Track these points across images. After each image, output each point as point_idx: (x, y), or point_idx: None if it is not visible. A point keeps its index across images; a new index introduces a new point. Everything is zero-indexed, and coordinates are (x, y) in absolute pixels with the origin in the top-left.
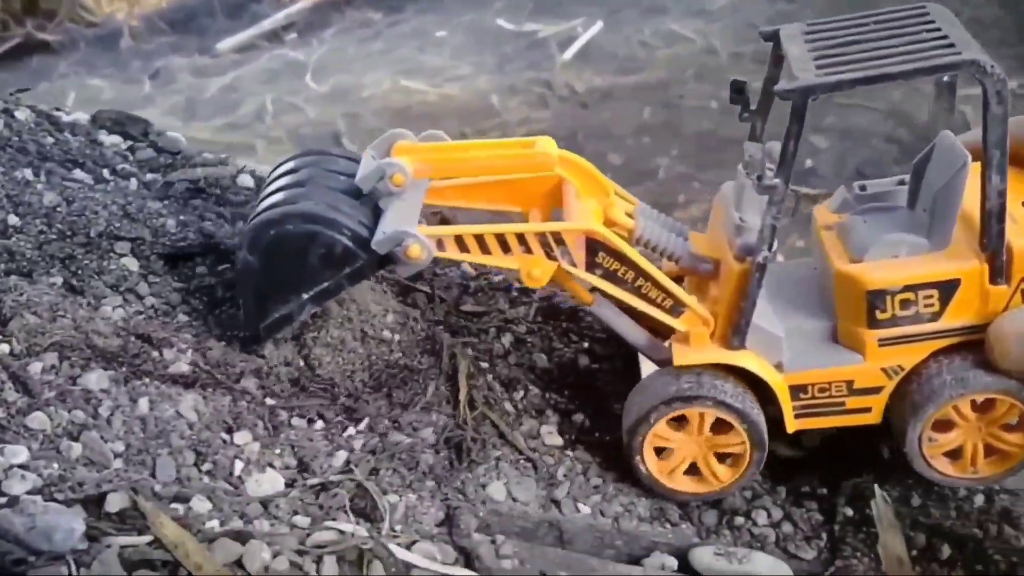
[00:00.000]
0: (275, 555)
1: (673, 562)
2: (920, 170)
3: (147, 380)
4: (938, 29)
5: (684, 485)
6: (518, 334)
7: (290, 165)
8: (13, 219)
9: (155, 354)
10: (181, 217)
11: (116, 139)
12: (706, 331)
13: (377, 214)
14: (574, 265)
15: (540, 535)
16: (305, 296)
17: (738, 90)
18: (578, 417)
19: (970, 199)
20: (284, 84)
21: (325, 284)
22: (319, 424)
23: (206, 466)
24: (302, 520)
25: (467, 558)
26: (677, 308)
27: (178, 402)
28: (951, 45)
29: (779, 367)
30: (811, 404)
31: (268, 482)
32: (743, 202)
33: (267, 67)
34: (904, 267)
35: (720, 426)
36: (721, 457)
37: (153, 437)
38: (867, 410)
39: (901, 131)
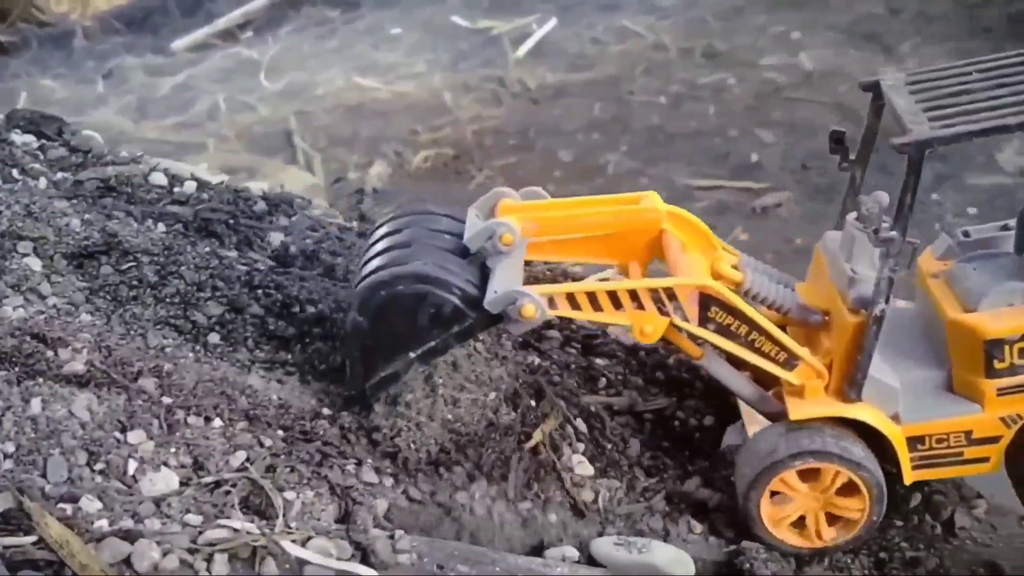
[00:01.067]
0: (165, 554)
1: (574, 553)
2: None
3: (40, 380)
4: None
5: (788, 536)
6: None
7: (393, 225)
8: None
9: (50, 354)
10: (87, 216)
11: (29, 138)
12: (820, 384)
13: (484, 273)
14: (687, 320)
15: (441, 530)
16: (412, 355)
17: (838, 140)
18: None
19: None
20: (237, 83)
21: (433, 343)
22: (217, 423)
23: (99, 466)
24: (194, 518)
25: (364, 553)
26: (791, 361)
27: (71, 402)
28: None
29: (895, 418)
30: (929, 455)
31: (162, 481)
32: (854, 253)
33: (221, 66)
34: (1021, 316)
35: (846, 487)
36: (832, 518)
37: (44, 437)
38: (985, 460)
39: (847, 124)
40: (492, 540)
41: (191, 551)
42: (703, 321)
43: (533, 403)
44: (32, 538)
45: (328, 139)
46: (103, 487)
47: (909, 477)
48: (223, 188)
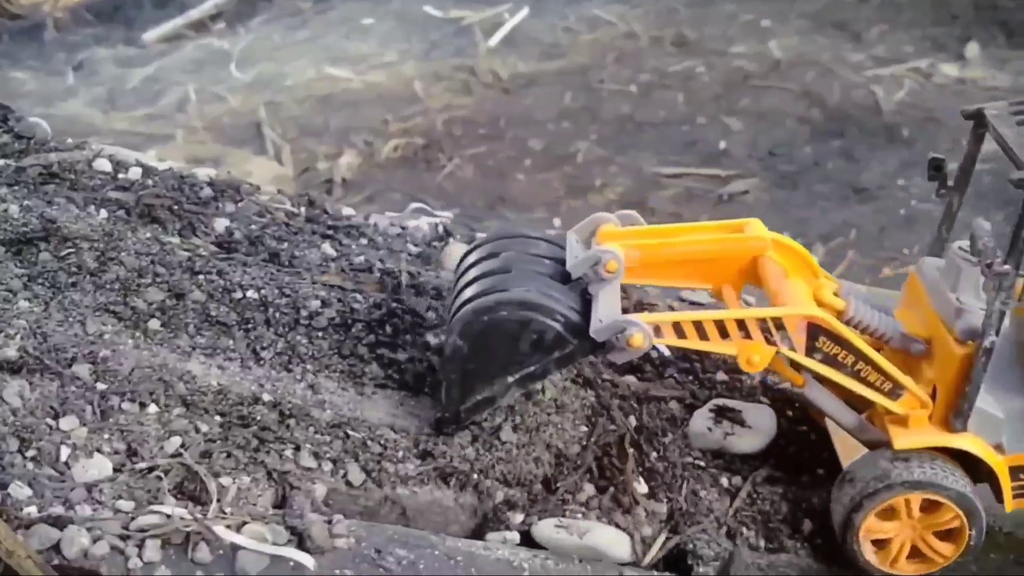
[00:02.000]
0: (95, 540)
1: (515, 536)
2: None
3: None
4: None
5: (867, 551)
6: None
7: (489, 248)
8: None
9: None
10: (26, 202)
11: None
12: (925, 414)
13: (584, 299)
14: (793, 349)
15: (383, 514)
16: (511, 379)
17: (936, 167)
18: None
19: None
20: (208, 74)
21: (532, 368)
22: (152, 408)
23: (30, 452)
24: (126, 504)
25: (300, 538)
26: (896, 391)
27: (2, 388)
28: None
29: (999, 448)
30: None
31: (95, 467)
32: (960, 283)
33: (192, 57)
34: None
35: (932, 506)
36: (941, 536)
37: None
38: None
39: (813, 112)
40: (434, 523)
41: (122, 537)
42: (810, 351)
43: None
44: None
45: (298, 129)
46: (34, 474)
47: (1010, 505)
48: (168, 174)
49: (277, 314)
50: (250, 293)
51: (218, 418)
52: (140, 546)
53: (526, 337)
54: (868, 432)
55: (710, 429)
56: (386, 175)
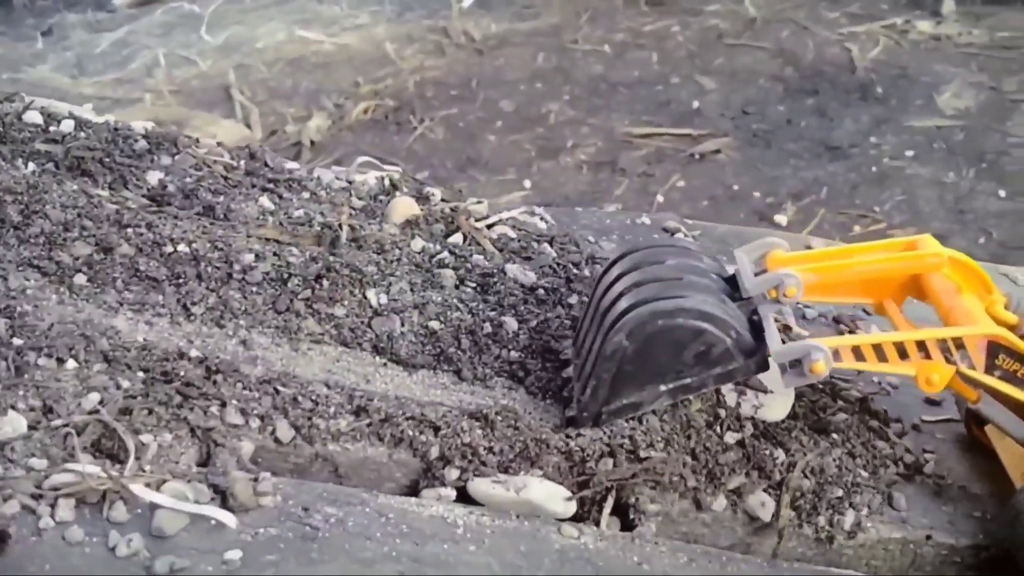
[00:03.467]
0: (6, 499)
1: (451, 492)
2: None
3: None
4: None
5: None
6: None
7: (650, 253)
8: None
9: None
10: None
11: None
12: None
13: (750, 319)
14: (972, 368)
15: (314, 471)
16: (663, 388)
17: None
18: None
19: None
20: (178, 38)
21: (689, 380)
22: (71, 364)
23: None
24: (39, 463)
25: (223, 497)
26: None
27: None
28: None
29: None
30: None
31: (9, 425)
32: None
33: (162, 21)
34: None
35: None
36: None
37: None
38: None
39: (788, 70)
40: (368, 480)
41: (35, 496)
42: (989, 368)
43: None
44: None
45: (267, 92)
46: None
47: None
48: (103, 127)
49: (209, 268)
50: (181, 247)
51: (141, 374)
52: (53, 505)
53: (694, 347)
54: None
55: (739, 404)
56: (356, 137)
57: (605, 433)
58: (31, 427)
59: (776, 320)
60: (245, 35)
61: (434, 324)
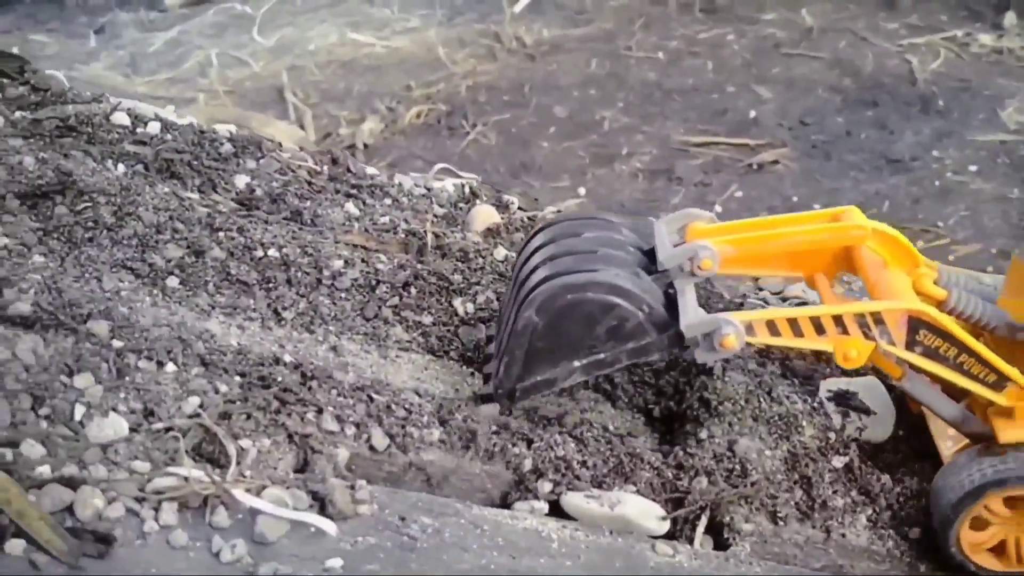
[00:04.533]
0: (110, 501)
1: (544, 506)
2: None
3: None
4: None
5: (987, 561)
6: None
7: (569, 226)
8: None
9: None
10: (42, 155)
11: None
12: None
13: (666, 293)
14: (892, 344)
15: (407, 480)
16: (577, 364)
17: None
18: None
19: None
20: (230, 38)
21: (602, 355)
22: (170, 367)
23: (44, 410)
24: (142, 465)
25: (321, 504)
26: (1001, 382)
27: (15, 343)
28: None
29: None
30: None
31: (111, 427)
32: None
33: (214, 21)
34: None
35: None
36: None
37: None
38: None
39: (846, 81)
40: (460, 490)
41: (138, 499)
42: (910, 344)
43: None
44: None
45: (320, 95)
46: (47, 432)
47: None
48: (188, 129)
49: (299, 274)
50: (271, 252)
51: (238, 378)
52: (156, 509)
53: (606, 322)
54: (971, 424)
55: (843, 428)
56: (408, 142)
57: (702, 451)
58: (132, 429)
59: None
60: (297, 37)
61: None
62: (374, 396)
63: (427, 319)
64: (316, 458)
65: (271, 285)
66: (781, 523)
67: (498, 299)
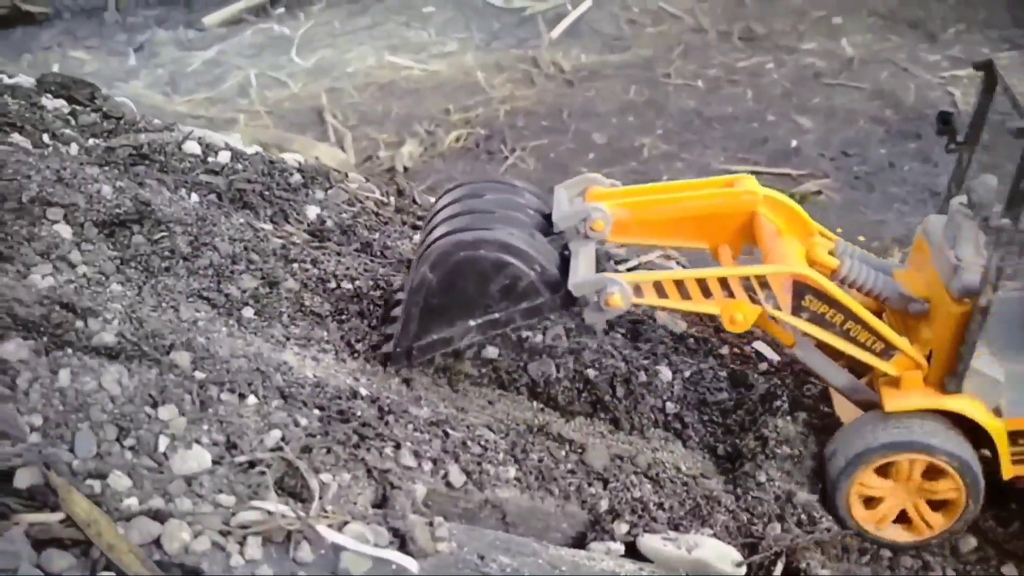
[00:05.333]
0: (196, 535)
1: (620, 547)
2: None
3: (69, 351)
4: None
5: (896, 534)
6: None
7: (472, 188)
8: None
9: (79, 324)
10: (119, 184)
11: (60, 103)
12: (919, 375)
13: (562, 255)
14: (779, 309)
15: (482, 517)
16: (472, 323)
17: (945, 121)
18: None
19: None
20: (268, 59)
21: (497, 315)
22: (251, 400)
23: (128, 441)
24: (227, 499)
25: (402, 540)
26: (888, 351)
27: (101, 374)
28: None
29: (997, 412)
30: None
31: (194, 459)
32: (960, 240)
33: (252, 41)
34: None
35: (932, 472)
36: (934, 504)
37: (73, 410)
38: None
39: (887, 112)
40: (535, 529)
41: (223, 533)
42: (796, 309)
43: None
44: (59, 516)
45: (359, 117)
46: (133, 464)
47: (1008, 472)
48: (258, 159)
49: (371, 306)
50: (344, 284)
51: (316, 412)
52: (241, 543)
53: (499, 281)
54: (861, 393)
55: None
56: (448, 165)
57: (764, 494)
58: (215, 462)
59: None
60: (335, 59)
61: (590, 372)
62: (449, 432)
63: (493, 353)
64: (395, 493)
65: (344, 317)
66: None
67: (567, 335)
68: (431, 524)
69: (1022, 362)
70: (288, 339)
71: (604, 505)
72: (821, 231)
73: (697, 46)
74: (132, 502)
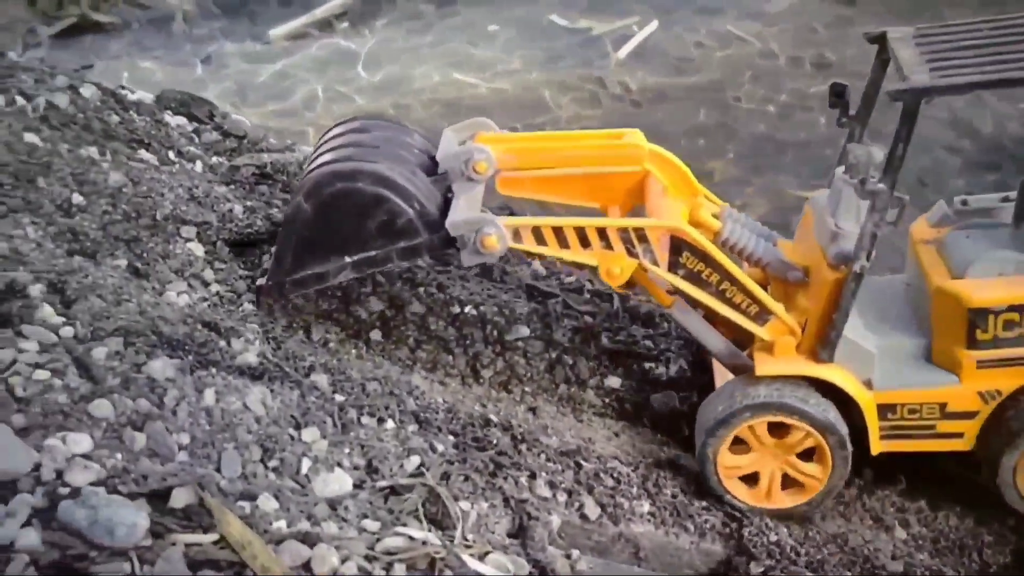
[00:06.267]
0: (344, 560)
1: None
2: None
3: (214, 370)
4: None
5: (737, 489)
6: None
7: (361, 123)
8: (77, 198)
9: (222, 344)
10: (248, 203)
11: (181, 120)
12: (792, 341)
13: (445, 196)
14: (656, 264)
15: (615, 551)
16: (348, 259)
17: (838, 93)
18: None
19: None
20: (335, 73)
21: (374, 252)
22: (389, 424)
23: (272, 463)
24: (371, 524)
25: (541, 572)
26: (763, 315)
27: (245, 394)
28: None
29: (868, 384)
30: (899, 425)
31: (336, 482)
32: (840, 208)
33: (318, 56)
34: (1010, 286)
35: (783, 430)
36: (805, 459)
37: (219, 430)
38: (959, 435)
39: (965, 142)
40: (669, 565)
41: (368, 558)
42: (673, 266)
43: None
44: (213, 536)
45: (426, 133)
46: (278, 486)
47: (877, 447)
48: None
49: (495, 332)
50: (468, 309)
51: (451, 438)
52: (387, 569)
53: (376, 217)
54: (737, 359)
55: None
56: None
57: (908, 547)
58: (356, 485)
59: None
60: (400, 75)
61: None
62: (582, 463)
63: (615, 382)
64: (532, 524)
65: (468, 342)
66: None
67: (691, 368)
68: (569, 556)
69: (897, 337)
70: (415, 363)
71: (740, 545)
72: (708, 196)
73: (768, 71)
74: (281, 524)
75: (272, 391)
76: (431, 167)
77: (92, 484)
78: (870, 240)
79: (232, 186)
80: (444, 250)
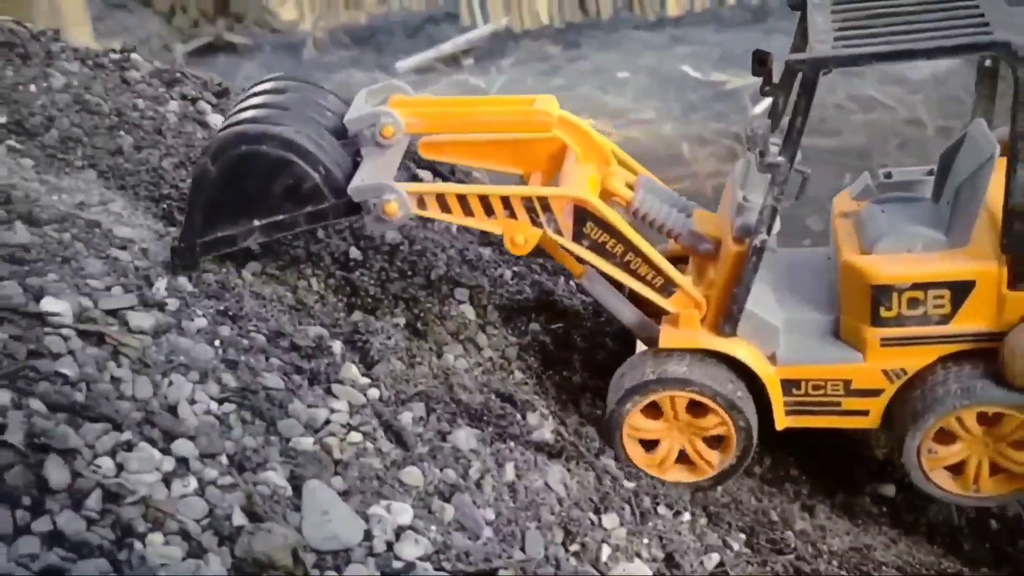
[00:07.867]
0: None
1: None
2: (948, 160)
3: (512, 444)
4: (976, 7)
5: (636, 454)
6: None
7: (275, 84)
8: (355, 252)
9: (519, 417)
10: (515, 268)
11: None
12: (697, 314)
13: (356, 161)
14: (560, 234)
15: None
16: (256, 223)
17: (760, 62)
18: None
19: (996, 195)
20: None
21: (281, 217)
22: (685, 516)
23: (574, 547)
24: None
25: None
26: (669, 287)
27: (545, 472)
28: (984, 24)
29: (772, 359)
30: (804, 401)
31: (635, 572)
32: (748, 181)
33: (446, 91)
34: (915, 263)
35: (701, 410)
36: (710, 444)
37: (523, 508)
38: (864, 413)
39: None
40: None
41: None
42: (577, 236)
43: None
44: None
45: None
46: (576, 570)
47: (781, 422)
48: None
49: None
50: None
51: (742, 535)
52: None
53: (282, 181)
54: (648, 330)
55: None
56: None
57: None
58: None
59: None
60: None
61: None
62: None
63: (889, 490)
64: None
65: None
66: None
67: None
68: None
69: (806, 312)
70: None
71: None
72: (629, 164)
73: (914, 139)
74: None
75: (569, 471)
76: (344, 131)
77: (419, 559)
78: (770, 213)
79: (494, 248)
80: (349, 215)
